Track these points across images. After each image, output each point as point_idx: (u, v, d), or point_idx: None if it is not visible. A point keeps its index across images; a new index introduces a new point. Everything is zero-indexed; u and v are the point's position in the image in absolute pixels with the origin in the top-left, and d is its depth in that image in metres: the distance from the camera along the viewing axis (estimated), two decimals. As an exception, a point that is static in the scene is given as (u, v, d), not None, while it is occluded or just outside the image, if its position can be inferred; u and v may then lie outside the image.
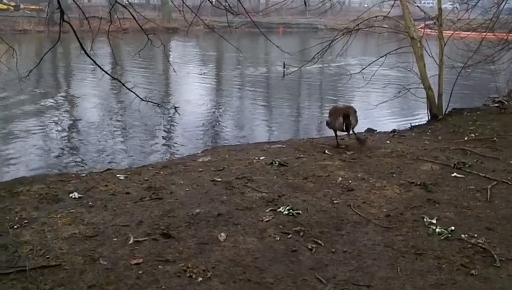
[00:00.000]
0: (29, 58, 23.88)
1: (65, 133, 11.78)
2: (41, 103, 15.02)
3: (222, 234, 5.14)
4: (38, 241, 4.91)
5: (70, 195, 6.19)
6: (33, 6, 49.59)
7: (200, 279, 4.30)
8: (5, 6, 49.06)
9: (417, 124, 12.06)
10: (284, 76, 20.13)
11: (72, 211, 5.69)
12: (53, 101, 15.63)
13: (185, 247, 4.86)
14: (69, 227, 5.26)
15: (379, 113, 13.66)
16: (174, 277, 4.33)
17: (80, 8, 8.29)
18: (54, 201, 6.02)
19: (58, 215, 5.54)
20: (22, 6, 50.79)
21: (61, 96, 16.74)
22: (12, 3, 50.87)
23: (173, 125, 12.87)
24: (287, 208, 5.73)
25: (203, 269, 4.43)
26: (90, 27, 7.92)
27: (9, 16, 46.08)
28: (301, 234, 5.17)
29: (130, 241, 4.96)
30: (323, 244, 4.96)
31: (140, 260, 4.59)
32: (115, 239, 5.02)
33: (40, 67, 20.96)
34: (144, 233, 5.14)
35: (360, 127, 11.04)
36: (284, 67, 21.02)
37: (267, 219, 5.50)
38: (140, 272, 4.39)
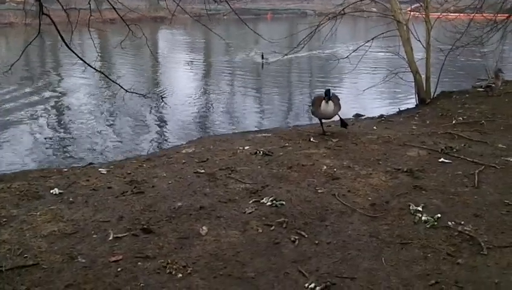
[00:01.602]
0: (17, 51, 23.54)
1: (48, 127, 11.59)
2: (24, 97, 14.77)
3: (204, 228, 5.03)
4: (17, 240, 4.78)
5: (51, 191, 6.04)
6: (20, -1, 48.93)
7: (180, 275, 4.20)
8: (-9, -1, 48.39)
9: (405, 108, 11.97)
10: (262, 67, 19.90)
11: (52, 207, 5.56)
12: (36, 94, 15.37)
13: (165, 242, 4.75)
14: (49, 224, 5.14)
15: (368, 98, 13.58)
16: (153, 274, 4.22)
17: (58, 1, 8.09)
18: (34, 198, 5.89)
19: (38, 213, 5.41)
20: (7, -2, 50.16)
21: (44, 88, 16.44)
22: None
23: (160, 116, 12.72)
24: (271, 199, 5.62)
25: (183, 265, 4.33)
26: (69, 19, 7.80)
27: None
28: (284, 226, 5.07)
29: (110, 238, 4.85)
30: (306, 236, 4.86)
31: (120, 257, 4.48)
32: (94, 236, 4.90)
33: (26, 60, 20.77)
34: (124, 229, 5.03)
35: (348, 113, 10.99)
36: (262, 58, 20.78)
37: (250, 211, 5.39)
38: (119, 269, 4.28)
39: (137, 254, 4.53)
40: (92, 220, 5.25)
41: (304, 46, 11.84)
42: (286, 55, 12.78)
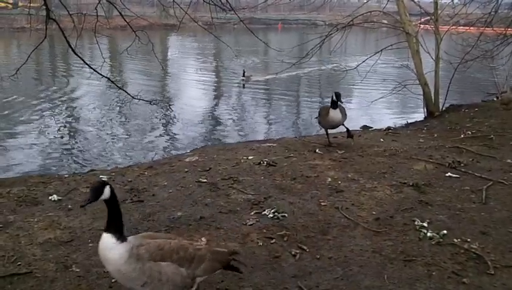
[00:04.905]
0: (26, 55, 23.58)
1: (53, 133, 11.56)
2: (31, 102, 14.75)
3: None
4: (12, 247, 4.69)
5: (50, 197, 5.94)
6: (32, 4, 48.98)
7: (176, 288, 4.07)
8: (4, 4, 48.61)
9: (413, 121, 11.83)
10: (243, 87, 19.06)
11: (49, 214, 5.46)
12: (43, 98, 15.41)
13: (162, 253, 4.63)
14: (45, 231, 5.05)
15: (376, 109, 13.47)
16: (148, 286, 4.10)
17: (64, 5, 8.05)
18: (32, 204, 5.79)
19: (35, 219, 5.31)
20: (20, 3, 50.41)
21: (51, 93, 16.49)
22: (10, 1, 50.40)
23: (165, 123, 12.66)
24: (272, 210, 5.49)
25: (179, 278, 4.20)
26: (74, 25, 7.76)
27: (7, 13, 45.65)
28: (285, 239, 4.94)
29: (106, 247, 4.73)
30: (308, 250, 4.73)
31: (115, 267, 4.36)
32: (90, 245, 4.78)
33: (37, 64, 20.80)
34: (121, 238, 4.91)
35: (356, 124, 10.87)
36: (243, 76, 19.51)
37: (250, 223, 5.27)
38: (113, 280, 4.15)
39: (133, 265, 4.41)
40: (89, 228, 5.15)
41: (311, 57, 11.72)
42: (290, 67, 12.50)
